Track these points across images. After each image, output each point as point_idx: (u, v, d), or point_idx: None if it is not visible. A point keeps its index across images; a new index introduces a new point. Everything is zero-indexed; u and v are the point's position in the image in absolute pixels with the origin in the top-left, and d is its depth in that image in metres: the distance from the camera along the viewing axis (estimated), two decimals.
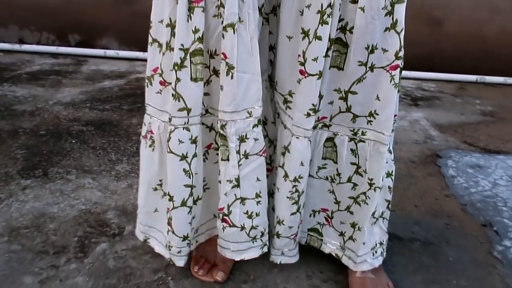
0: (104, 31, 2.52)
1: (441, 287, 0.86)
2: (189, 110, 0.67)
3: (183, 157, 0.69)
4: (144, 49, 2.54)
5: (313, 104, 0.68)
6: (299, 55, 0.67)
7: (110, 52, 2.46)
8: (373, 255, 0.79)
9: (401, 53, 0.66)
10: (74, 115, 1.60)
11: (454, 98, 2.20)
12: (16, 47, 2.46)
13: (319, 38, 0.64)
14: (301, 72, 0.67)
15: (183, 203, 0.72)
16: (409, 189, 1.23)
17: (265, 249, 0.79)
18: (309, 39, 0.65)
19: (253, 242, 0.77)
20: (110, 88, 1.94)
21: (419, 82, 2.41)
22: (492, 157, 1.48)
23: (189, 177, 0.71)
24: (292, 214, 0.76)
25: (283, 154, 0.75)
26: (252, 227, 0.75)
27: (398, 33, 0.65)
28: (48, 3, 2.45)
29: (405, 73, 2.47)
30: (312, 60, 0.65)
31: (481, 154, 1.50)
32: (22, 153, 1.28)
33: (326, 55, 0.66)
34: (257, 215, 0.75)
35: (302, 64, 0.67)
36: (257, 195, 0.74)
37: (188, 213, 0.74)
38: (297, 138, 0.71)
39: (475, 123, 1.85)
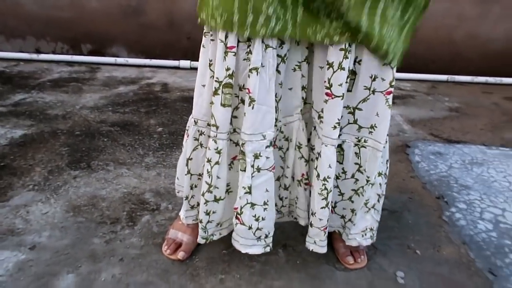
0: (114, 41, 2.78)
1: (401, 241, 1.16)
2: (217, 127, 0.87)
3: (208, 161, 0.90)
4: (151, 57, 2.82)
5: (338, 119, 0.86)
6: (325, 81, 0.85)
7: (120, 60, 2.72)
8: (363, 236, 1.01)
9: (393, 83, 0.86)
10: (100, 117, 1.87)
11: (426, 96, 2.51)
12: (34, 56, 2.71)
13: (343, 69, 0.82)
14: (327, 94, 0.85)
15: (202, 194, 0.94)
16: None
17: (268, 249, 0.96)
18: (333, 69, 0.82)
19: (257, 241, 0.95)
20: (126, 93, 2.21)
21: (397, 82, 2.71)
22: (451, 146, 1.79)
23: (209, 177, 0.91)
24: (322, 208, 0.94)
25: (317, 159, 0.93)
26: (258, 229, 0.93)
27: (392, 68, 0.85)
28: (62, 16, 2.71)
29: None
30: (338, 85, 0.83)
31: (443, 143, 1.81)
32: (66, 150, 1.55)
33: (346, 81, 0.84)
34: (263, 219, 0.93)
35: (328, 88, 0.84)
36: (265, 203, 0.92)
37: (204, 203, 0.94)
38: (326, 146, 0.90)
39: (442, 118, 2.16)
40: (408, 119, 2.11)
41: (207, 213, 0.96)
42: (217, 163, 0.90)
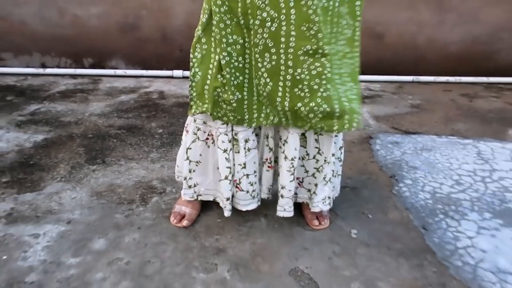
0: (113, 54, 3.08)
1: (357, 209, 1.47)
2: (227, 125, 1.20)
3: (225, 151, 1.22)
4: (147, 68, 3.11)
5: None
6: None
7: (119, 72, 3.02)
8: (323, 203, 1.32)
9: None
10: (108, 122, 2.17)
11: (392, 95, 2.85)
12: (40, 71, 3.00)
13: None
14: None
15: (226, 178, 1.25)
16: (347, 159, 1.84)
17: (259, 203, 1.33)
18: None
19: (252, 199, 1.30)
20: (127, 101, 2.51)
21: (367, 84, 3.05)
22: (407, 136, 2.12)
23: (228, 162, 1.24)
24: (290, 181, 1.25)
25: (283, 144, 1.23)
26: (253, 190, 1.28)
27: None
28: (65, 33, 3.00)
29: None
30: None
31: (401, 135, 2.14)
32: (82, 150, 1.84)
33: None
34: (255, 183, 1.28)
35: None
36: (254, 172, 1.27)
37: (229, 183, 1.25)
38: (291, 134, 1.21)
39: (403, 114, 2.49)
40: (375, 115, 2.44)
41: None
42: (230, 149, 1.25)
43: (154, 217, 1.38)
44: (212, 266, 1.17)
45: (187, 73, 2.99)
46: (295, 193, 1.34)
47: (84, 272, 1.13)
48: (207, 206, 1.43)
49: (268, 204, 1.41)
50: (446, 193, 1.58)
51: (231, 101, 1.14)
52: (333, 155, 1.27)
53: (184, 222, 1.33)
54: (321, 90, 1.10)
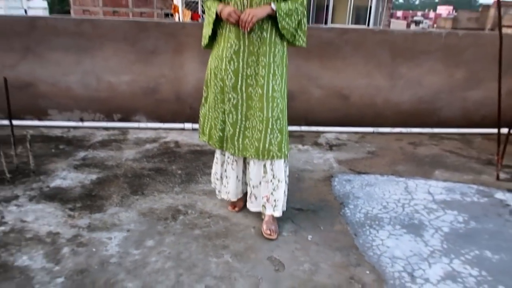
0: (137, 111, 3.92)
1: (314, 223, 2.24)
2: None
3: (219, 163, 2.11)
4: (164, 121, 3.96)
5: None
6: None
7: (142, 125, 3.85)
8: (273, 211, 2.13)
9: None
10: (140, 166, 2.95)
11: (355, 143, 3.68)
12: (79, 124, 3.82)
13: None
14: None
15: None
16: (313, 191, 2.63)
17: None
18: None
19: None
20: (151, 149, 3.32)
21: (337, 134, 3.89)
22: (358, 175, 2.92)
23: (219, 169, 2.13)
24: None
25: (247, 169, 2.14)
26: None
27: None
28: (100, 95, 3.85)
29: (328, 128, 3.95)
30: None
31: (354, 174, 2.94)
32: (126, 185, 2.62)
33: None
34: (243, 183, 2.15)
35: None
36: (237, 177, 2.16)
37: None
38: (254, 163, 2.09)
39: (360, 158, 3.30)
40: (338, 160, 3.25)
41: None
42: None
43: (182, 228, 2.15)
44: (220, 255, 1.93)
45: (196, 125, 3.82)
46: (264, 207, 2.17)
47: (143, 257, 1.89)
48: (216, 222, 2.20)
49: (256, 219, 2.18)
50: (374, 214, 2.36)
51: (215, 137, 2.09)
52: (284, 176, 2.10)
53: (236, 208, 2.27)
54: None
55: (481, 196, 2.66)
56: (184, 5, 13.73)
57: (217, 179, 2.27)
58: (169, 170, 2.90)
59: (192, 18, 12.72)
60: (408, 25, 43.84)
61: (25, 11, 46.84)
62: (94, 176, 2.74)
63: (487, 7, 33.34)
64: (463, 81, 3.99)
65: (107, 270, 1.79)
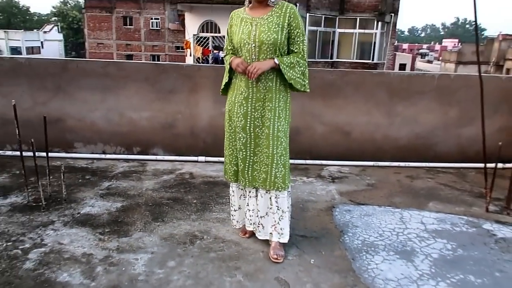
0: (154, 144, 4.26)
1: (316, 249, 2.51)
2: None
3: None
4: (179, 154, 4.32)
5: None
6: None
7: (159, 157, 4.18)
8: (279, 238, 2.41)
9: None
10: (159, 195, 3.26)
11: (356, 176, 3.96)
12: (102, 156, 4.16)
13: None
14: None
15: (239, 208, 2.43)
16: (315, 220, 2.90)
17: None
18: None
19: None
20: (169, 180, 3.63)
21: (339, 167, 4.18)
22: (358, 206, 3.19)
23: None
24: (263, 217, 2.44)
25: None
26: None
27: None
28: (121, 129, 4.21)
29: (331, 162, 4.26)
30: None
31: (354, 205, 3.22)
32: (147, 213, 2.92)
33: None
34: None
35: None
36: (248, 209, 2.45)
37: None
38: (261, 196, 2.39)
39: (360, 190, 3.58)
40: (339, 191, 3.53)
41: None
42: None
43: (199, 251, 2.43)
44: (233, 275, 2.20)
45: (209, 158, 4.14)
46: (271, 235, 2.44)
47: (167, 276, 2.17)
48: (229, 246, 2.48)
49: (264, 244, 2.46)
50: (371, 241, 2.63)
51: (230, 172, 2.42)
52: (287, 207, 2.39)
53: (246, 235, 2.55)
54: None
55: (470, 227, 2.91)
56: (195, 41, 14.39)
57: (234, 210, 2.56)
58: (185, 199, 3.20)
59: (203, 53, 13.33)
60: (414, 58, 44.72)
61: (42, 44, 48.69)
62: (119, 204, 3.05)
63: (491, 40, 34.07)
64: (456, 119, 4.30)
65: (136, 286, 2.07)
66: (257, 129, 2.31)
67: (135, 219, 2.81)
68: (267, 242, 2.49)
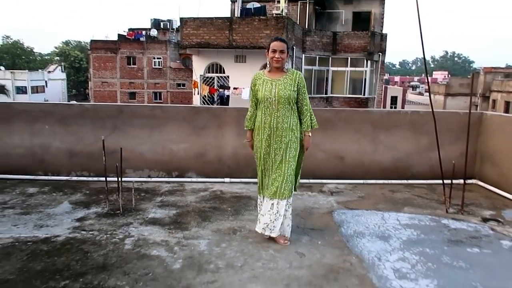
0: (189, 169, 5.37)
1: (323, 236, 3.58)
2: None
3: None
4: (210, 177, 5.48)
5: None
6: None
7: (193, 179, 5.28)
8: (271, 232, 3.45)
9: None
10: (201, 206, 4.34)
11: (349, 191, 5.06)
12: (148, 179, 5.26)
13: None
14: None
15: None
16: (320, 219, 3.99)
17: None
18: None
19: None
20: (205, 195, 4.72)
21: (336, 185, 5.29)
22: (351, 211, 4.28)
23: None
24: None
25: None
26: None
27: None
28: (163, 158, 5.32)
29: (329, 181, 5.37)
30: None
31: (347, 210, 4.31)
32: (197, 217, 3.99)
33: None
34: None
35: None
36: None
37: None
38: (266, 201, 3.45)
39: (352, 200, 4.68)
40: (337, 201, 4.63)
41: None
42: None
43: (241, 238, 3.49)
44: (267, 250, 3.26)
45: (233, 179, 5.25)
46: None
47: (223, 251, 3.23)
48: (260, 235, 3.55)
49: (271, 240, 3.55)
50: (360, 231, 3.71)
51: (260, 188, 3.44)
52: (285, 211, 3.46)
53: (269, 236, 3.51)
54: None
55: (432, 222, 4.00)
56: (202, 81, 15.79)
57: (262, 215, 3.57)
58: (221, 207, 4.28)
59: (210, 92, 14.66)
60: (405, 91, 46.62)
61: (46, 83, 50.37)
62: (174, 211, 4.12)
63: (478, 73, 36.04)
64: (427, 145, 5.46)
65: (204, 256, 3.14)
66: (277, 156, 3.41)
67: (189, 220, 3.89)
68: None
